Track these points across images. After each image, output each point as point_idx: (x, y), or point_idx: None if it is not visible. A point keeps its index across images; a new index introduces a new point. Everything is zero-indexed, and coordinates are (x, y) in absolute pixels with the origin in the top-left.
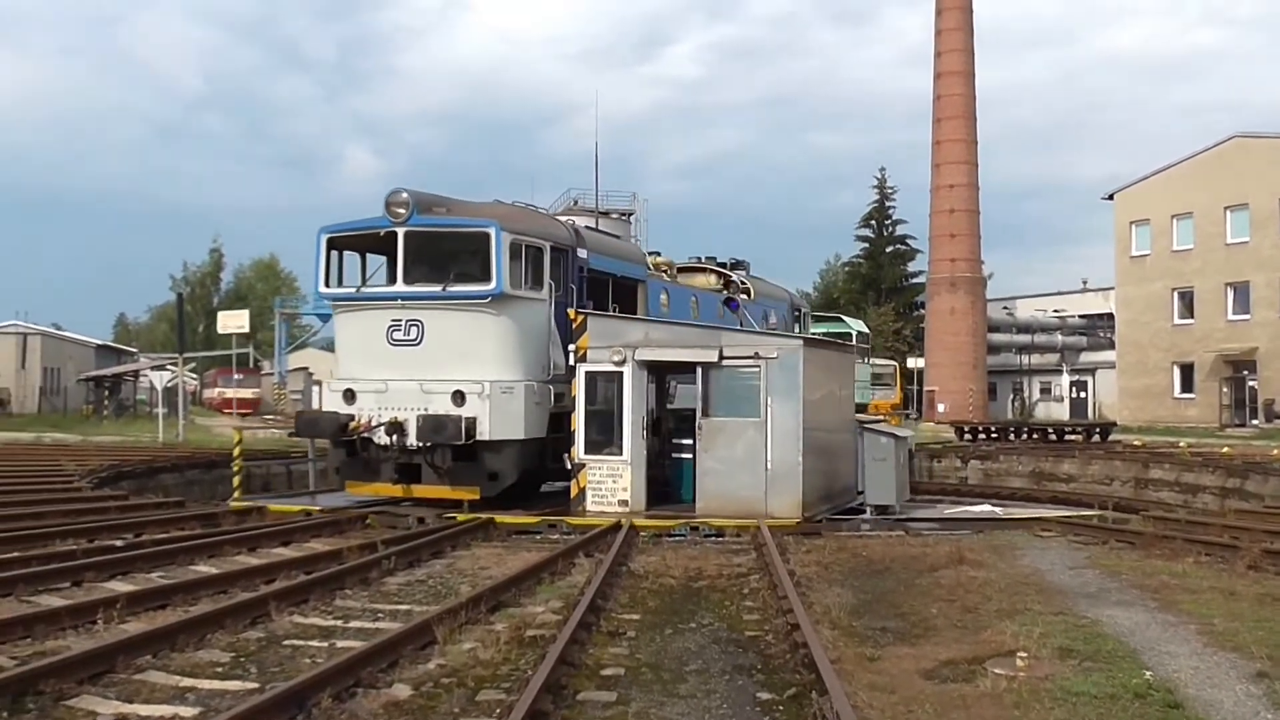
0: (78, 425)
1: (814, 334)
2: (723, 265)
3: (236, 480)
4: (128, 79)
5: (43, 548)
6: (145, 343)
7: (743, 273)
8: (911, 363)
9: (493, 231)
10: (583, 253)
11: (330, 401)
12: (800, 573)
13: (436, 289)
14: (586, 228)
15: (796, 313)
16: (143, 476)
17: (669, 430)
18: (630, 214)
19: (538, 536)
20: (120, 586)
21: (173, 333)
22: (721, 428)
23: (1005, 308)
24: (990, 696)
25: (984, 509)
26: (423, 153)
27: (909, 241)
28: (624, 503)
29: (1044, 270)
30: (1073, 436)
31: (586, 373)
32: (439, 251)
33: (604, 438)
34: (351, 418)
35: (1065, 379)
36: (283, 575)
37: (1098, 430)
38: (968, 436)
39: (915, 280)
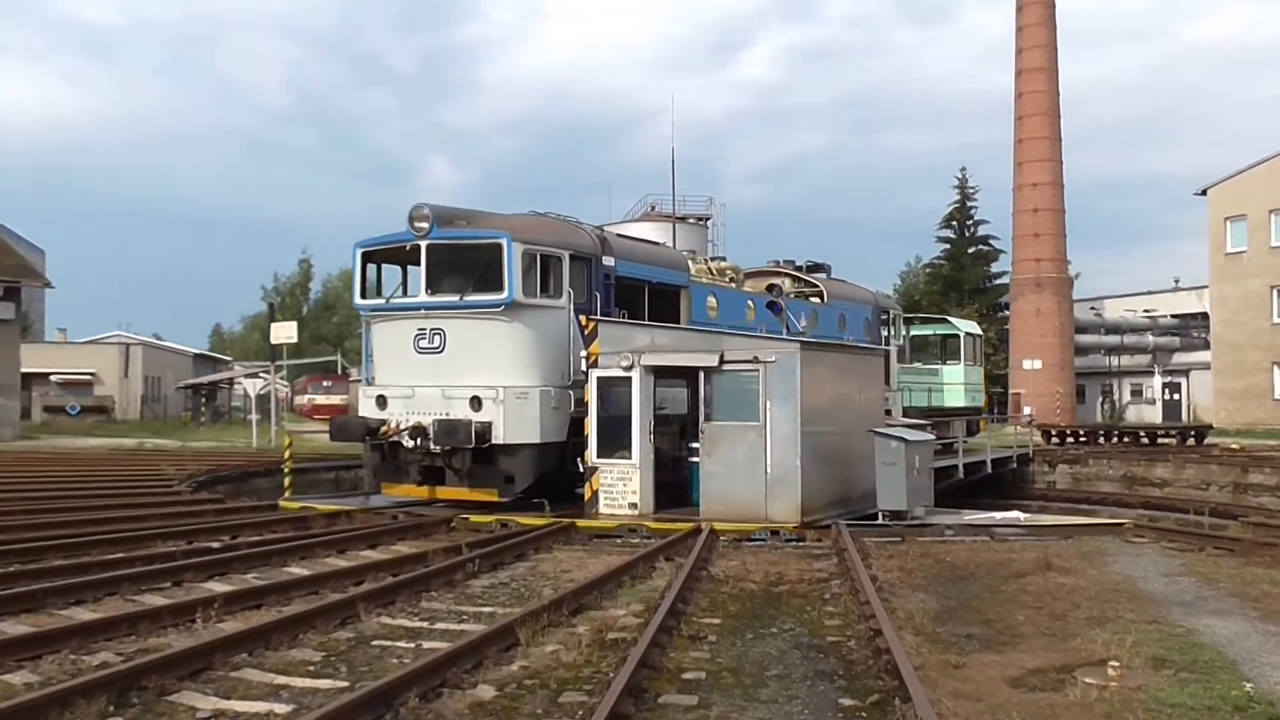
0: (176, 431)
1: (917, 335)
2: (799, 269)
3: (287, 481)
4: (218, 96)
5: (145, 549)
6: (239, 351)
7: (822, 275)
8: (1028, 364)
9: (504, 242)
10: (609, 260)
11: (365, 407)
12: (882, 578)
13: (455, 299)
14: (619, 235)
15: (885, 315)
16: (238, 480)
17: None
18: (707, 219)
19: (618, 540)
20: (218, 587)
21: (265, 341)
22: (723, 431)
23: (1093, 308)
24: (1080, 706)
25: (1010, 515)
26: (501, 161)
27: (991, 242)
28: (633, 505)
29: (1133, 270)
30: (1166, 440)
31: (598, 378)
32: (458, 262)
33: (616, 442)
34: (383, 423)
35: (1157, 381)
36: (371, 577)
37: (1192, 433)
38: (1055, 440)
39: (998, 281)
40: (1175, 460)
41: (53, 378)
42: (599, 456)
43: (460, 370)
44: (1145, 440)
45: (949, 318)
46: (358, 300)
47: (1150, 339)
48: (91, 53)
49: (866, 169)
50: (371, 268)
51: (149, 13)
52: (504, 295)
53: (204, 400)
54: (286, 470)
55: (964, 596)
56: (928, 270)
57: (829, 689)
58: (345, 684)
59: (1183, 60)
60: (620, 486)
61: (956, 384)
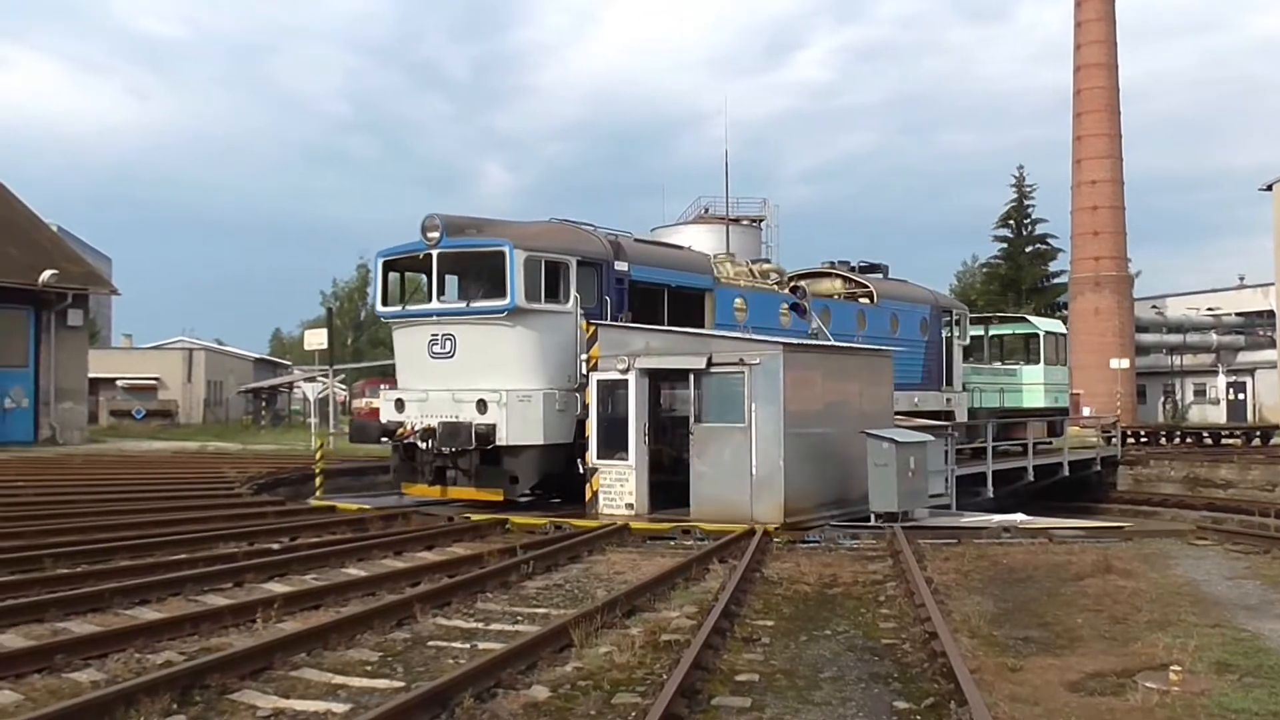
0: (238, 434)
1: (996, 335)
2: (854, 269)
3: (318, 480)
4: (279, 105)
5: (207, 550)
6: (298, 356)
7: (878, 276)
8: (1114, 363)
9: (506, 250)
10: (622, 265)
11: (385, 410)
12: (938, 580)
13: (462, 305)
14: (637, 240)
15: (947, 315)
16: (297, 483)
17: None
18: (761, 220)
19: (672, 542)
20: (277, 587)
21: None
22: (712, 433)
23: (1154, 307)
24: (1140, 711)
25: (1011, 518)
26: (555, 165)
27: (1049, 240)
28: (630, 505)
29: (1196, 267)
30: (1230, 440)
31: (599, 381)
32: (467, 270)
33: (616, 443)
34: (400, 425)
35: (1221, 380)
36: (427, 578)
37: (1258, 433)
38: (1115, 441)
39: (1057, 280)
40: (1240, 461)
41: (119, 382)
42: (599, 458)
43: (469, 374)
44: (1209, 441)
45: (1028, 316)
46: (379, 308)
47: (1214, 338)
48: (155, 65)
49: (921, 168)
50: (394, 276)
51: (212, 25)
52: (506, 301)
53: (264, 404)
54: (318, 470)
55: (1021, 599)
56: (984, 270)
57: (883, 692)
58: (402, 684)
59: (1247, 53)
60: (618, 487)
61: (1036, 384)
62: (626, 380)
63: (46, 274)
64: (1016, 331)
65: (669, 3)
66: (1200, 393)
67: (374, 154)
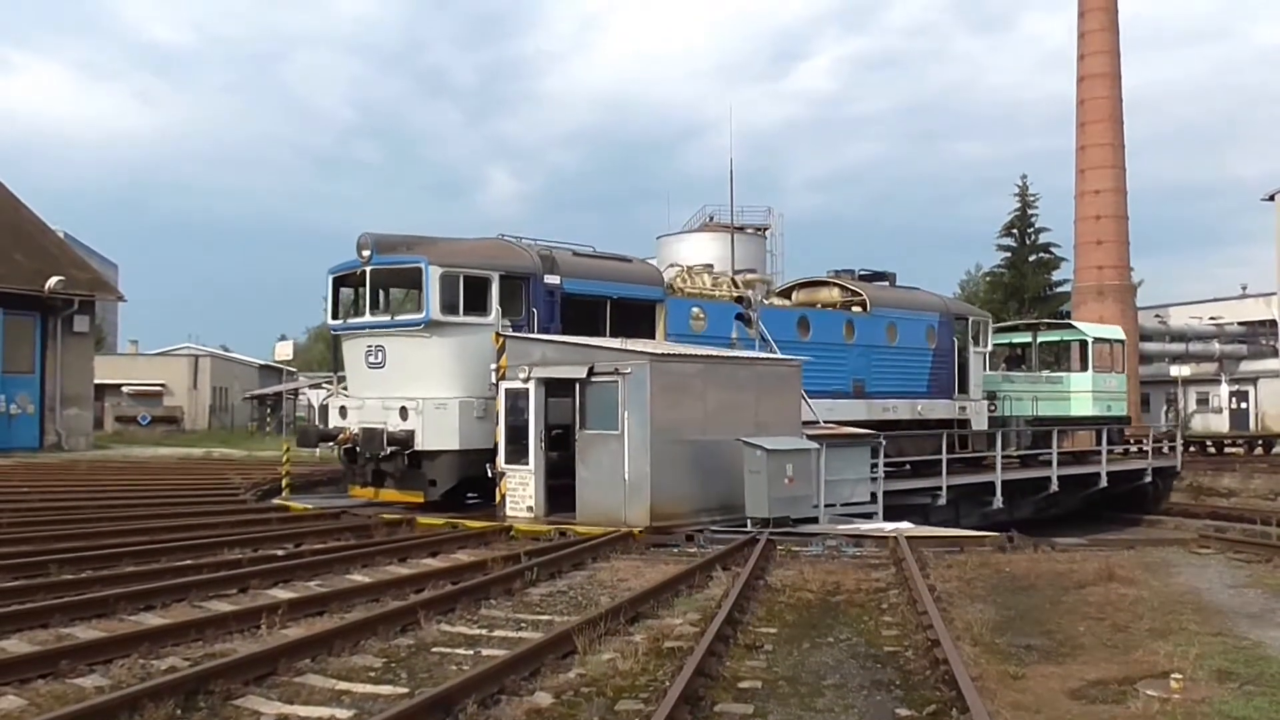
0: (243, 441)
1: (1045, 342)
2: (854, 278)
3: (285, 483)
4: (286, 112)
5: (212, 556)
6: (303, 362)
7: (883, 283)
8: (1174, 370)
9: (423, 266)
10: (553, 278)
11: (332, 417)
12: (941, 588)
13: (388, 318)
14: (574, 254)
15: (961, 322)
16: (302, 490)
17: None
18: (766, 229)
19: (675, 549)
20: (282, 593)
21: (329, 352)
22: (593, 440)
23: (1157, 316)
24: (1142, 718)
25: (895, 525)
26: (561, 173)
27: (1053, 249)
28: (530, 509)
29: (1199, 276)
30: (1233, 449)
31: (506, 389)
32: (394, 285)
33: (523, 449)
34: (340, 430)
35: (1224, 389)
36: (431, 585)
37: (1260, 442)
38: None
39: (1060, 289)
40: (1243, 470)
41: (124, 389)
42: (506, 463)
43: (396, 383)
44: (1212, 450)
45: (1076, 323)
46: (329, 320)
47: (1216, 347)
48: (164, 71)
49: (927, 177)
50: (345, 291)
51: (220, 31)
52: (423, 315)
53: (269, 410)
54: (284, 472)
55: (1024, 607)
56: (988, 278)
57: (886, 699)
58: (405, 690)
59: (1252, 63)
60: (521, 491)
61: (1083, 392)
62: (526, 389)
63: (53, 280)
64: (1065, 338)
65: (675, 11)
66: (1203, 402)
67: (381, 160)
